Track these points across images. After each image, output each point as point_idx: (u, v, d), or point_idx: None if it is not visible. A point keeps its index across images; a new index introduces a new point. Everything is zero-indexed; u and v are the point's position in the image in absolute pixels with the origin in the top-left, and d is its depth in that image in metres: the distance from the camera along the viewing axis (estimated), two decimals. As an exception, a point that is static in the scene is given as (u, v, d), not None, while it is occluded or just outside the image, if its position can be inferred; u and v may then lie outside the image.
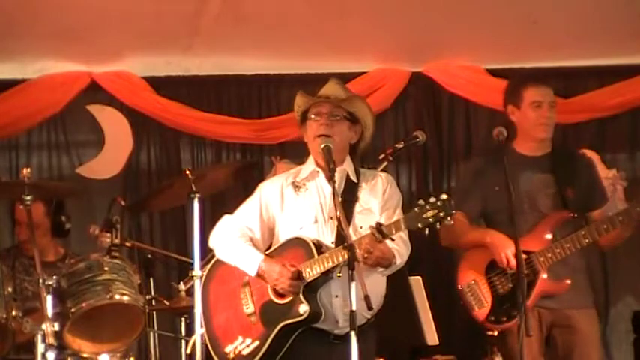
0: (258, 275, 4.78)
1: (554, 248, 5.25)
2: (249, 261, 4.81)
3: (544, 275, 5.26)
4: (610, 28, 6.72)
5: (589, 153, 6.22)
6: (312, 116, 4.82)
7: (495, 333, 5.30)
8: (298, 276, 4.67)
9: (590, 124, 7.33)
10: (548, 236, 5.29)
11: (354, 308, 4.32)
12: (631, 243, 5.70)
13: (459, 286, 5.40)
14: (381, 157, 5.52)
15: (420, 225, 4.48)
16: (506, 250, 5.22)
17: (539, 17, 6.58)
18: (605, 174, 6.62)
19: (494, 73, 7.28)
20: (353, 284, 4.32)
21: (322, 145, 4.72)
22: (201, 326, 5.00)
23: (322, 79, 5.00)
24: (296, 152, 6.02)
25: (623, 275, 7.25)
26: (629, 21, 6.62)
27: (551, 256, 5.25)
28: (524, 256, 5.19)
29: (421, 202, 4.50)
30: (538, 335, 5.27)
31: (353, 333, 4.31)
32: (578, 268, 5.36)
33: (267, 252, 4.87)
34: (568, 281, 5.25)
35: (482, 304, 5.33)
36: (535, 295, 5.25)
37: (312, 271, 4.67)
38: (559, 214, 5.32)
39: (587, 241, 5.24)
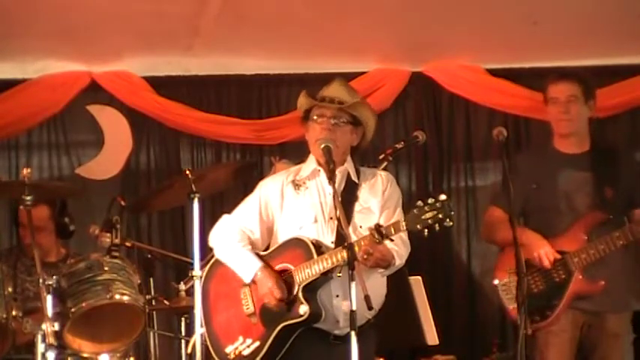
0: (253, 282, 4.79)
1: (589, 249, 5.21)
2: (246, 268, 4.81)
3: (579, 276, 5.22)
4: (610, 28, 6.72)
5: None
6: (315, 117, 4.80)
7: (529, 332, 5.24)
8: (288, 292, 4.68)
9: (590, 124, 7.29)
10: (584, 237, 5.24)
11: (354, 308, 4.30)
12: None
13: (494, 282, 5.39)
14: (381, 157, 5.52)
15: (419, 226, 4.46)
16: (540, 250, 5.22)
17: (539, 18, 6.57)
18: None
19: (494, 73, 7.29)
20: (353, 284, 4.31)
21: (322, 145, 4.70)
22: (202, 326, 5.00)
23: (322, 79, 4.98)
24: (296, 152, 6.00)
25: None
26: (629, 21, 6.61)
27: (585, 257, 5.21)
28: (558, 256, 5.22)
29: (420, 203, 4.47)
30: (571, 337, 5.27)
31: (353, 333, 4.30)
32: (619, 270, 5.27)
33: (266, 252, 4.86)
34: (602, 282, 5.20)
35: (515, 302, 5.28)
36: (569, 295, 5.23)
37: (311, 272, 4.66)
38: (595, 215, 5.25)
39: (621, 242, 5.17)
